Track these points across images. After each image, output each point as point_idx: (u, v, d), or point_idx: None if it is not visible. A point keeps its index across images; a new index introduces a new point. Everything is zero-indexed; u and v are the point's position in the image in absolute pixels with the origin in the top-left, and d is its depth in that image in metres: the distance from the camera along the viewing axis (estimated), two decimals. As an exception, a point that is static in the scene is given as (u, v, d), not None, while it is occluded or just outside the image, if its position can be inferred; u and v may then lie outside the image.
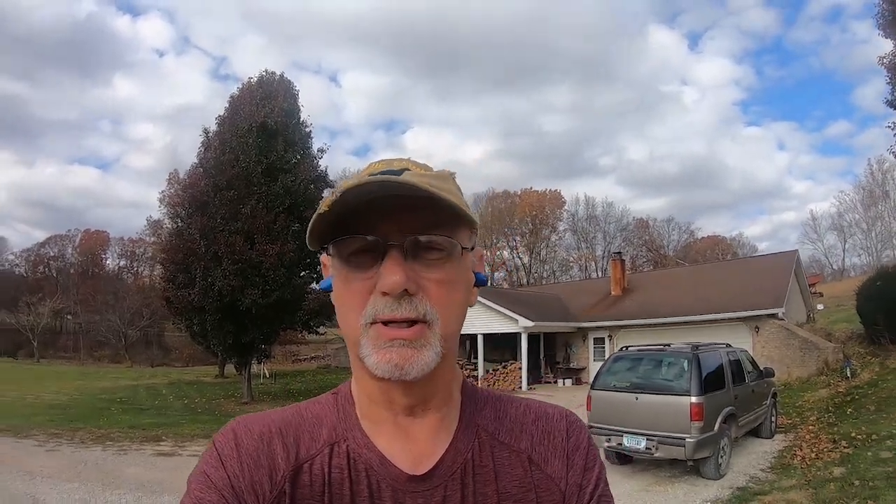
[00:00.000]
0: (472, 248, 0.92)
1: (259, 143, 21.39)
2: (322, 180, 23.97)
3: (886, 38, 16.46)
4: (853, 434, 10.70)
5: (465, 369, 26.49)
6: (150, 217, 63.12)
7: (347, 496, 0.86)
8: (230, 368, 32.68)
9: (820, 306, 31.81)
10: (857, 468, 8.61)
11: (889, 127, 16.49)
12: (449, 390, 0.95)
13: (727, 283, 25.59)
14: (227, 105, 23.56)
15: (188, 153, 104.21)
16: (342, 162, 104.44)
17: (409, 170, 0.86)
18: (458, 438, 0.93)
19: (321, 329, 26.88)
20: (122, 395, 23.18)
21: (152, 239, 66.37)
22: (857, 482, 7.86)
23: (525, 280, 70.29)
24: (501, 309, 24.79)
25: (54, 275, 76.27)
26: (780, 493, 7.97)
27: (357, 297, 0.83)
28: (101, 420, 16.13)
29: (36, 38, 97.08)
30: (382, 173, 0.83)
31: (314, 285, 23.75)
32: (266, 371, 32.41)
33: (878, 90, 73.19)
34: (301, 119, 24.13)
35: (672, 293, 26.52)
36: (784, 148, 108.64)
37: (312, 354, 47.70)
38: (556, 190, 78.22)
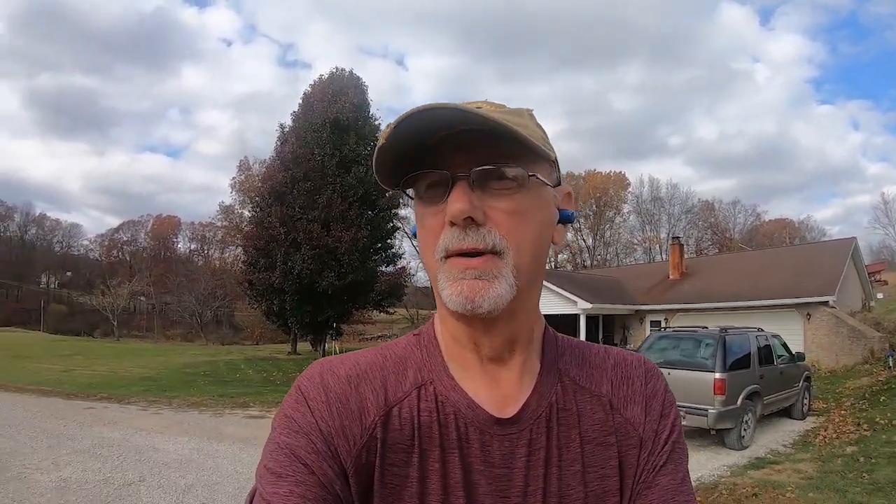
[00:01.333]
0: (557, 186, 0.90)
1: (332, 137, 23.04)
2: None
3: None
4: (877, 419, 11.47)
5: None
6: (223, 202, 65.51)
7: (436, 439, 0.84)
8: (302, 346, 34.80)
9: (880, 295, 31.31)
10: (868, 448, 9.44)
11: None
12: (531, 333, 0.93)
13: (782, 270, 25.78)
14: (301, 101, 25.41)
15: (255, 139, 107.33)
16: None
17: (480, 108, 0.77)
18: (541, 382, 0.91)
19: (391, 309, 28.72)
20: (204, 370, 24.62)
21: (224, 223, 68.36)
22: (861, 458, 8.72)
23: (589, 262, 69.88)
24: (561, 291, 25.52)
25: (127, 259, 79.81)
26: (791, 463, 8.94)
27: (431, 233, 0.82)
28: (191, 390, 17.74)
29: (107, 33, 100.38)
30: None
31: (385, 268, 25.56)
32: (337, 348, 34.19)
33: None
34: (370, 112, 25.69)
35: (728, 278, 26.89)
36: (858, 128, 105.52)
37: (379, 334, 48.85)
38: (620, 171, 77.36)
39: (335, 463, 0.81)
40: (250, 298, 25.90)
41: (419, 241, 0.87)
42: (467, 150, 0.79)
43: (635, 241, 75.28)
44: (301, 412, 0.84)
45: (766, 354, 11.49)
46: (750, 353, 10.88)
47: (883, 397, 13.78)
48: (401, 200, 28.61)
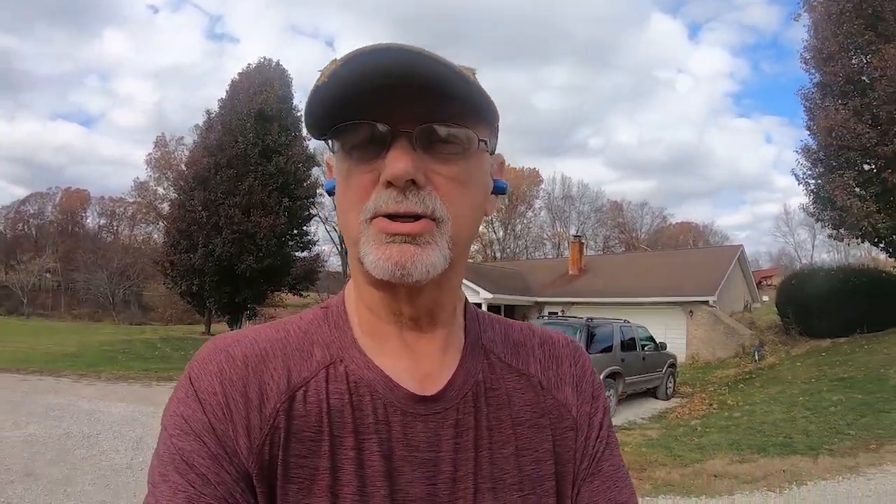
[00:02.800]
0: (493, 152, 0.84)
1: (256, 127, 24.22)
2: (311, 160, 27.00)
3: (807, 71, 18.01)
4: (728, 401, 13.56)
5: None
6: (137, 178, 64.46)
7: (350, 424, 0.76)
8: (215, 327, 35.61)
9: (765, 298, 34.37)
10: (709, 421, 11.47)
11: (796, 151, 18.16)
12: (454, 305, 0.86)
13: (672, 270, 28.17)
14: (228, 89, 26.35)
15: (175, 112, 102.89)
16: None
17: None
18: (466, 358, 0.85)
19: (304, 293, 30.11)
20: (122, 348, 25.10)
21: (137, 199, 67.18)
22: (699, 428, 10.70)
23: (499, 254, 71.87)
24: (464, 280, 27.11)
25: (33, 233, 76.50)
26: (641, 430, 10.92)
27: (358, 192, 0.74)
28: (115, 366, 18.64)
29: None
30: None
31: (300, 253, 26.91)
32: (251, 329, 35.01)
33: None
34: (294, 104, 26.86)
35: (623, 276, 29.13)
36: (771, 141, 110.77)
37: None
38: (534, 168, 79.49)
39: (232, 466, 0.72)
40: (169, 279, 26.68)
41: (338, 199, 0.79)
42: (410, 103, 0.70)
43: (545, 236, 76.79)
44: (192, 408, 0.74)
45: (629, 342, 13.57)
46: (613, 340, 12.88)
47: (741, 385, 15.94)
48: (318, 190, 30.03)
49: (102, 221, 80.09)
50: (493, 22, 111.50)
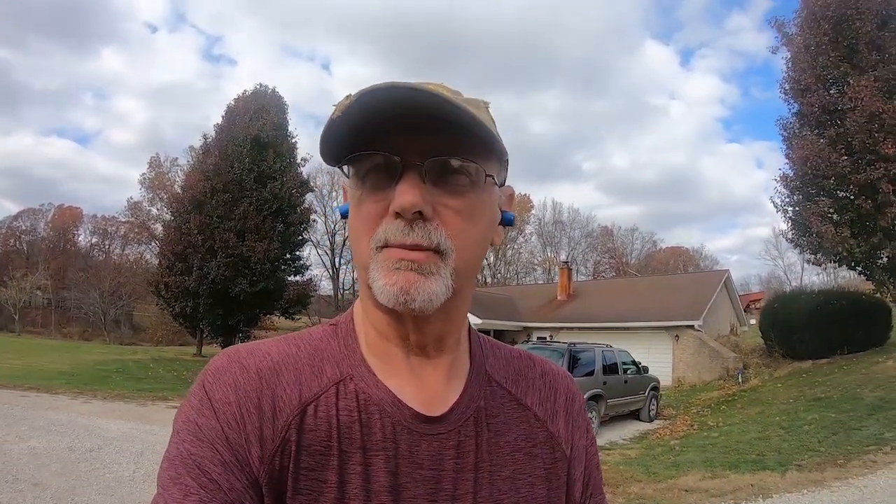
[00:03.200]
0: (502, 185, 0.88)
1: (252, 153, 24.74)
2: (305, 186, 27.53)
3: (786, 101, 18.65)
4: (709, 422, 14.01)
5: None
6: (131, 198, 64.46)
7: (358, 441, 0.79)
8: (206, 349, 35.91)
9: (753, 321, 34.75)
10: (688, 441, 11.90)
11: (775, 179, 18.62)
12: (460, 333, 0.91)
13: (659, 295, 28.64)
14: (224, 114, 26.96)
15: (169, 130, 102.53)
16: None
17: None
18: (470, 384, 0.90)
19: (296, 316, 30.53)
20: (115, 367, 25.08)
21: (130, 219, 67.00)
22: (678, 448, 11.12)
23: (490, 279, 72.16)
24: (455, 306, 27.45)
25: (25, 249, 75.38)
26: (622, 450, 11.34)
27: (369, 220, 0.77)
28: (109, 385, 18.83)
29: (27, 3, 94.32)
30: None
31: (293, 277, 27.35)
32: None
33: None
34: (289, 131, 27.46)
35: (610, 301, 29.58)
36: (762, 166, 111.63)
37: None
38: (524, 194, 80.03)
39: (243, 474, 0.75)
40: (164, 300, 26.98)
41: (350, 224, 0.83)
42: (420, 135, 0.74)
43: (535, 262, 77.12)
44: (206, 416, 0.77)
45: (611, 366, 14.02)
46: (595, 364, 13.32)
47: (724, 407, 16.31)
48: (312, 216, 30.55)
49: (94, 240, 79.09)
50: (488, 45, 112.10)
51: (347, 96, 0.73)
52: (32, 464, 8.14)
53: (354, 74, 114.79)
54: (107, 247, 78.48)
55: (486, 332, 1.02)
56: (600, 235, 77.62)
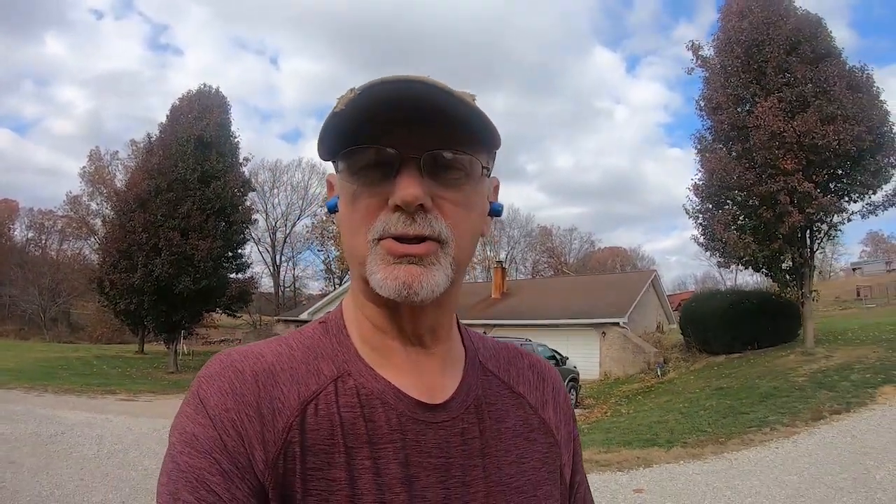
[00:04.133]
0: (489, 175, 0.88)
1: (195, 153, 25.41)
2: (246, 185, 28.34)
3: (700, 117, 19.93)
4: (622, 410, 15.33)
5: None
6: (70, 192, 62.37)
7: (363, 435, 0.79)
8: (149, 347, 36.38)
9: None
10: (596, 426, 13.16)
11: (688, 188, 19.88)
12: (452, 322, 0.92)
13: (588, 294, 30.15)
14: (168, 114, 27.58)
15: (111, 121, 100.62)
16: (271, 145, 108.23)
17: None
18: (468, 373, 0.91)
19: (238, 313, 31.28)
20: (60, 364, 25.72)
21: (69, 213, 64.48)
22: (585, 430, 12.24)
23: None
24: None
25: None
26: (534, 436, 12.46)
27: (365, 214, 0.78)
28: (57, 380, 19.39)
29: None
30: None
31: (235, 275, 28.10)
32: (185, 348, 35.80)
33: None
34: (231, 131, 28.16)
35: (542, 300, 30.92)
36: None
37: (221, 338, 49.60)
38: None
39: (245, 483, 0.74)
40: (106, 297, 27.32)
41: (343, 219, 0.83)
42: (414, 128, 0.75)
43: (475, 260, 78.02)
44: (202, 425, 0.76)
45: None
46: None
47: (640, 397, 17.72)
48: (254, 215, 31.20)
49: (31, 234, 75.81)
50: (439, 44, 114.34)
51: (351, 90, 0.74)
52: (4, 446, 8.98)
53: (304, 70, 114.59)
54: (44, 242, 75.38)
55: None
56: (539, 235, 78.68)
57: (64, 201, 63.81)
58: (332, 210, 0.87)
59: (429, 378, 0.87)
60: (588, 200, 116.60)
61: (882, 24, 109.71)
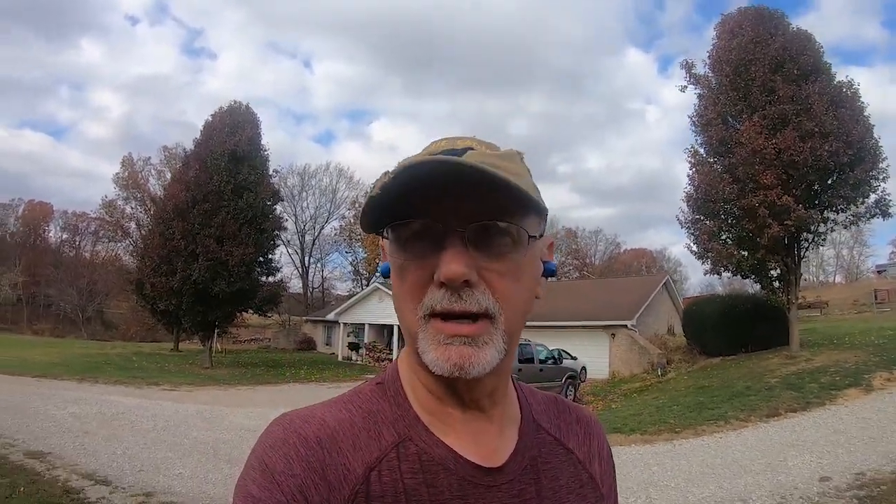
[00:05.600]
0: (541, 236, 0.86)
1: (229, 166, 27.61)
2: (276, 196, 30.60)
3: (693, 131, 20.93)
4: (613, 406, 16.55)
5: (383, 356, 32.50)
6: (105, 196, 64.49)
7: (426, 502, 0.78)
8: (182, 345, 38.78)
9: None
10: (590, 420, 14.64)
11: (681, 199, 20.84)
12: (508, 382, 0.91)
13: (601, 297, 31.30)
14: (202, 129, 29.91)
15: (145, 124, 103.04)
16: (303, 147, 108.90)
17: (472, 149, 0.78)
18: (524, 433, 0.91)
19: (269, 314, 33.53)
20: (102, 360, 27.59)
21: (103, 216, 66.07)
22: None
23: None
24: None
25: None
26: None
27: (413, 288, 0.76)
28: (104, 373, 21.33)
29: None
30: (444, 153, 0.76)
31: (266, 278, 30.29)
32: (218, 346, 37.94)
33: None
34: (262, 145, 30.34)
35: (556, 302, 31.23)
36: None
37: (251, 337, 51.93)
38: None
39: None
40: (144, 298, 29.78)
41: (394, 287, 0.82)
42: (458, 199, 0.73)
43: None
44: (268, 490, 0.74)
45: (526, 356, 16.77)
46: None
47: (636, 394, 18.77)
48: (284, 222, 33.22)
49: (65, 236, 78.24)
50: (473, 47, 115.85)
51: (385, 173, 0.73)
52: (78, 422, 10.96)
53: (338, 72, 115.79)
54: (77, 243, 77.48)
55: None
56: (564, 237, 78.99)
57: (99, 205, 65.78)
58: (386, 275, 0.86)
59: (486, 441, 0.86)
60: (619, 201, 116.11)
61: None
